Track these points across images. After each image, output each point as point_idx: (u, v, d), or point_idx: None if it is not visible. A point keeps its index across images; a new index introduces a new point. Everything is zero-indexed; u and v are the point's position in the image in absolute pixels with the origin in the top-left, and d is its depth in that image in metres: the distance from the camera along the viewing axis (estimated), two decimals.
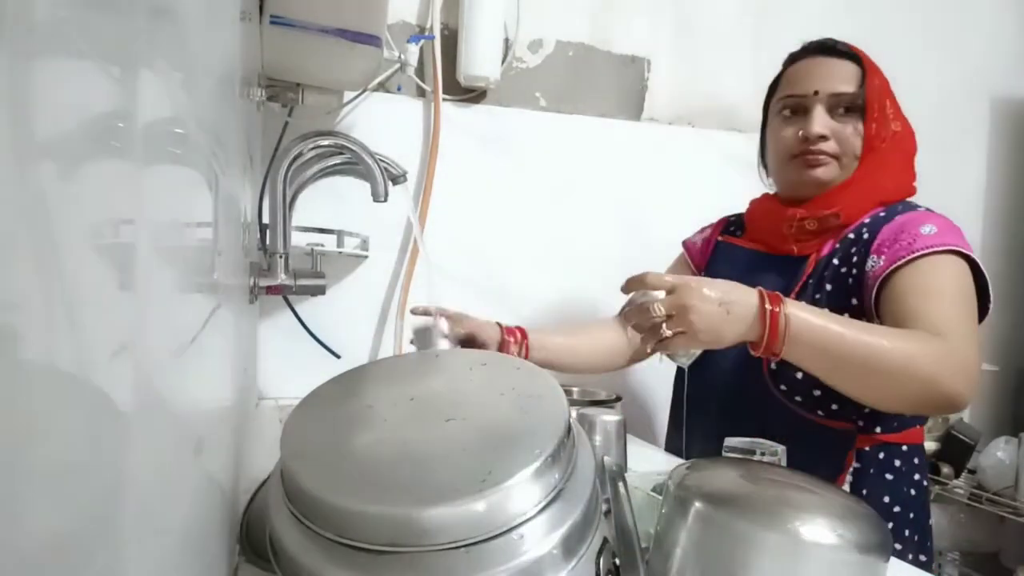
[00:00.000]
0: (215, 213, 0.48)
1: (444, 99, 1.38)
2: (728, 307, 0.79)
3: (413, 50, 1.27)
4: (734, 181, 1.54)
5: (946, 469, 1.66)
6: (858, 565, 0.52)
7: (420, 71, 1.36)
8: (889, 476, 0.96)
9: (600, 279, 1.51)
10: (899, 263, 0.90)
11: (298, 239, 1.17)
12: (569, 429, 0.55)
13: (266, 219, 1.08)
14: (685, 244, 1.26)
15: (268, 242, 1.05)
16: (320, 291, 1.12)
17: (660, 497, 0.61)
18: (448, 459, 0.51)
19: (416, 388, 0.61)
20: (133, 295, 0.25)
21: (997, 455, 1.60)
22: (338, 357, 1.29)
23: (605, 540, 0.55)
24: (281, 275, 1.04)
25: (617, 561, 0.54)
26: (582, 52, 1.51)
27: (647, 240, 1.53)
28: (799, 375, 0.93)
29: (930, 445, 1.70)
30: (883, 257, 0.91)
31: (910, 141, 1.03)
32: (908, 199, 1.02)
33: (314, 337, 1.28)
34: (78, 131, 0.20)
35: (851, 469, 0.96)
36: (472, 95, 1.41)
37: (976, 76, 1.89)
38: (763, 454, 0.74)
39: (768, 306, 0.79)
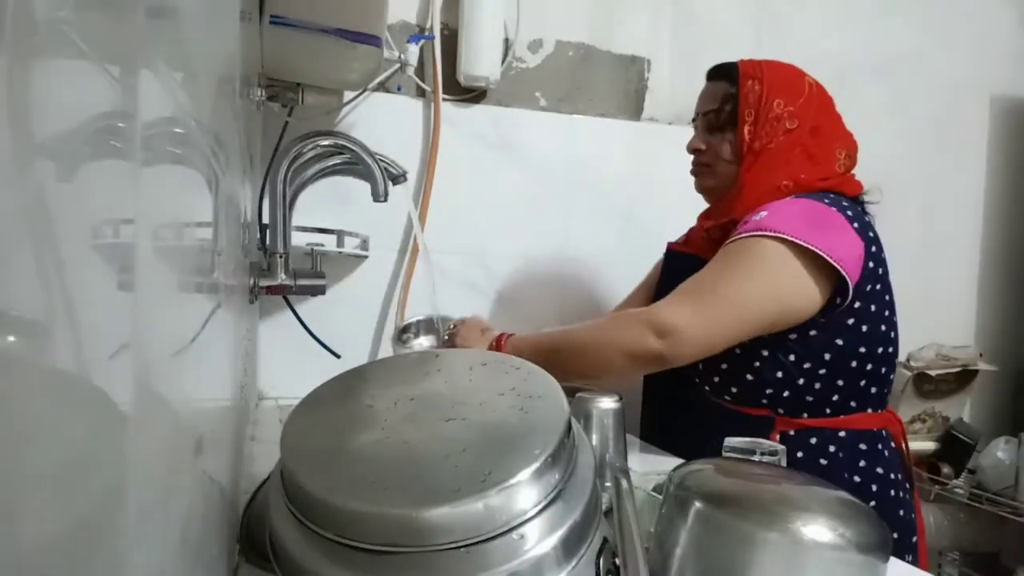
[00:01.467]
0: (215, 213, 0.48)
1: (444, 99, 1.38)
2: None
3: (413, 50, 1.27)
4: None
5: (946, 469, 1.66)
6: (858, 564, 0.52)
7: (420, 71, 1.36)
8: (823, 461, 0.98)
9: (600, 278, 1.51)
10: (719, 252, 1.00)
11: (298, 239, 1.17)
12: (569, 429, 0.55)
13: (266, 219, 1.08)
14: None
15: (268, 242, 1.05)
16: (320, 291, 1.12)
17: (660, 497, 0.61)
18: (448, 459, 0.51)
19: (416, 388, 0.61)
20: (133, 295, 0.25)
21: (997, 455, 1.60)
22: (338, 357, 1.29)
23: (605, 540, 0.55)
24: (281, 275, 1.04)
25: (617, 561, 0.54)
26: (582, 52, 1.51)
27: (646, 239, 1.53)
28: (700, 365, 1.03)
29: (930, 445, 1.70)
30: None
31: (821, 136, 1.04)
32: (818, 192, 1.02)
33: (314, 337, 1.28)
34: (78, 131, 0.20)
35: None
36: (472, 95, 1.41)
37: (976, 76, 1.89)
38: (763, 454, 0.74)
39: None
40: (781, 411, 1.00)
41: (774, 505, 0.54)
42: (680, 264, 1.17)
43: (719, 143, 1.09)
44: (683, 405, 1.14)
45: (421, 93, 1.38)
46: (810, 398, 0.99)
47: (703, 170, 1.13)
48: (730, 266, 0.96)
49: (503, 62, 1.40)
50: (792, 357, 0.98)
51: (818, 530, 0.51)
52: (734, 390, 1.03)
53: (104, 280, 0.23)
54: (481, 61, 1.34)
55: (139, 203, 0.25)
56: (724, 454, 0.75)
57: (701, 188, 1.15)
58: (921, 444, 1.67)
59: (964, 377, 1.81)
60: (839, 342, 0.97)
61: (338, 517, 0.48)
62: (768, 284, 0.94)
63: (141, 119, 0.25)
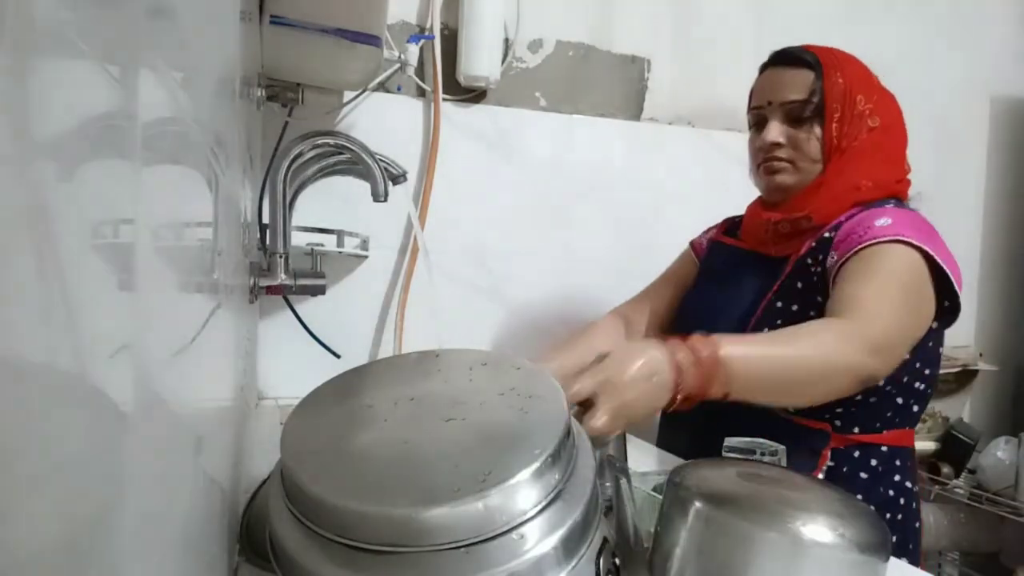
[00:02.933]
0: (215, 213, 0.48)
1: (444, 99, 1.37)
2: (652, 376, 0.73)
3: (413, 50, 1.26)
4: (734, 181, 1.54)
5: (946, 469, 1.66)
6: (858, 564, 0.52)
7: (420, 71, 1.36)
8: (864, 475, 0.96)
9: (600, 279, 1.51)
10: (848, 255, 0.92)
11: (298, 239, 1.17)
12: (569, 429, 0.55)
13: (266, 219, 1.08)
14: (692, 244, 1.27)
15: (268, 242, 1.05)
16: (320, 291, 1.12)
17: (660, 497, 0.61)
18: (448, 459, 0.51)
19: (416, 388, 0.61)
20: (133, 295, 0.25)
21: (997, 455, 1.61)
22: (338, 357, 1.29)
23: (605, 540, 0.55)
24: (281, 275, 1.04)
25: (617, 561, 0.54)
26: (582, 52, 1.51)
27: (647, 240, 1.53)
28: None
29: (930, 445, 1.71)
30: (838, 252, 0.94)
31: (894, 135, 1.02)
32: (894, 196, 1.01)
33: (314, 337, 1.28)
34: (78, 131, 0.20)
35: (824, 468, 0.96)
36: (472, 95, 1.41)
37: (976, 76, 1.89)
38: (763, 454, 0.74)
39: (685, 356, 0.74)
40: (838, 423, 0.96)
41: (774, 505, 0.54)
42: (732, 259, 1.12)
43: (805, 138, 1.00)
44: (722, 414, 0.97)
45: (421, 93, 1.38)
46: (868, 413, 0.96)
47: (783, 166, 1.02)
48: (890, 275, 0.89)
49: (503, 62, 1.40)
50: None
51: (818, 530, 0.51)
52: None
53: (104, 280, 0.23)
54: (481, 61, 1.34)
55: (139, 203, 0.25)
56: (724, 454, 0.75)
57: (778, 186, 1.04)
58: (921, 444, 1.67)
59: (964, 377, 1.81)
60: (917, 364, 0.95)
61: (338, 517, 0.48)
62: (925, 295, 0.91)
63: (141, 119, 0.25)
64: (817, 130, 1.00)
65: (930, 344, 0.96)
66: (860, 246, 0.91)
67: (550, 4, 1.47)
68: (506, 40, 1.43)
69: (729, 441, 0.76)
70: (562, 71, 1.49)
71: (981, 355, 1.87)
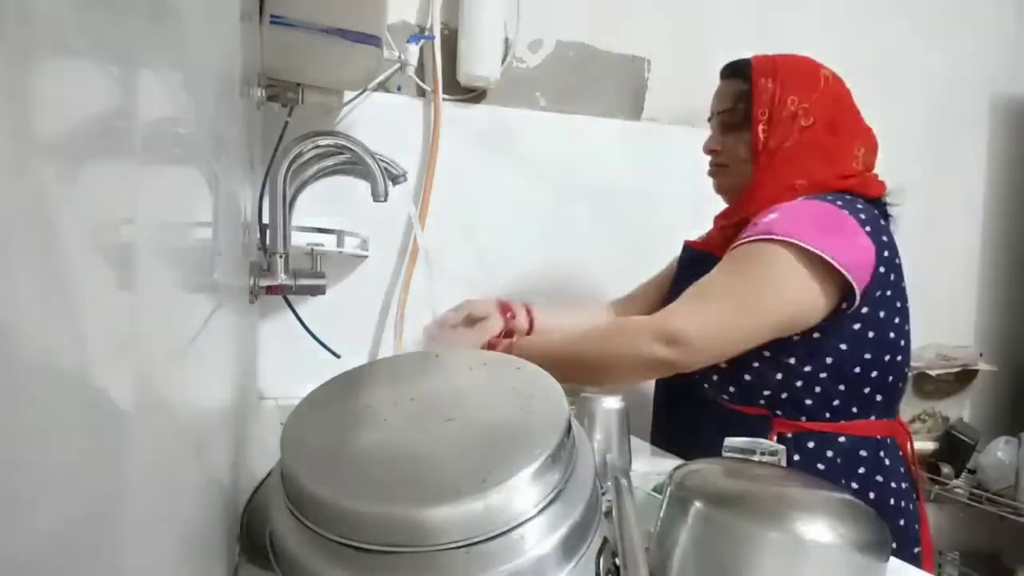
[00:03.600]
0: (215, 213, 0.48)
1: (444, 99, 1.37)
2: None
3: (413, 50, 1.27)
4: None
5: (946, 469, 1.66)
6: (858, 564, 0.52)
7: (420, 71, 1.36)
8: (821, 466, 0.97)
9: (599, 278, 1.51)
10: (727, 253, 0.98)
11: (298, 239, 1.17)
12: (569, 429, 0.55)
13: (266, 219, 1.08)
14: None
15: (268, 242, 1.05)
16: (320, 291, 1.12)
17: (660, 497, 0.61)
18: (448, 459, 0.51)
19: (416, 388, 0.61)
20: (133, 295, 0.25)
21: (997, 455, 1.61)
22: (338, 357, 1.29)
23: (605, 540, 0.55)
24: (281, 275, 1.04)
25: (617, 561, 0.54)
26: (582, 52, 1.51)
27: (646, 239, 1.53)
28: None
29: (930, 445, 1.71)
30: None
31: (839, 132, 1.02)
32: (841, 192, 1.00)
33: (314, 337, 1.28)
34: (78, 131, 0.20)
35: None
36: (472, 95, 1.41)
37: (976, 76, 1.89)
38: (763, 454, 0.74)
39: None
40: (779, 412, 0.99)
41: (774, 505, 0.54)
42: (696, 261, 1.15)
43: (734, 143, 1.07)
44: (682, 402, 1.14)
45: (421, 93, 1.38)
46: (809, 401, 0.98)
47: (720, 170, 1.12)
48: (739, 271, 0.95)
49: (503, 62, 1.40)
50: (793, 360, 0.97)
51: (818, 530, 0.51)
52: (732, 389, 1.02)
53: (104, 280, 0.23)
54: (481, 61, 1.34)
55: (139, 203, 0.25)
56: (724, 454, 0.75)
57: (719, 188, 1.14)
58: (921, 444, 1.67)
59: (964, 377, 1.81)
60: (843, 347, 0.96)
61: (338, 517, 0.48)
62: (777, 291, 0.93)
63: (141, 119, 0.25)
64: (746, 135, 1.05)
65: (855, 327, 0.95)
66: (733, 246, 0.98)
67: (550, 4, 1.47)
68: (506, 40, 1.43)
69: (729, 441, 0.76)
70: (562, 71, 1.49)
71: (981, 355, 1.87)
